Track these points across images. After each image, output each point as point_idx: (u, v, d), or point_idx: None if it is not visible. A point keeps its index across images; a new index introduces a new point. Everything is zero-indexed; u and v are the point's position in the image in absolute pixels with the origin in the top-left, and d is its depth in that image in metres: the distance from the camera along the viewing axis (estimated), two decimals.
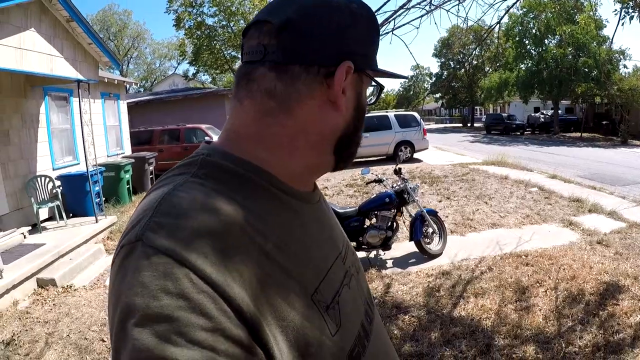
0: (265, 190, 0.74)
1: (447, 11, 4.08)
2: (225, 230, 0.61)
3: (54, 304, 5.35)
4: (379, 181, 6.51)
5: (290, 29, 0.73)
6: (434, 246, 6.29)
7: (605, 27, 28.45)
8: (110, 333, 0.58)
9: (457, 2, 4.12)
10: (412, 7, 3.85)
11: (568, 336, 4.00)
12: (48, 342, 4.47)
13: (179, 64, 57.25)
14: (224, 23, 27.65)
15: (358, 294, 0.86)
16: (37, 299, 5.52)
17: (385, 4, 3.77)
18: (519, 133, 36.45)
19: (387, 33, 3.82)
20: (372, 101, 0.89)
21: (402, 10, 3.79)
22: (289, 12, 0.74)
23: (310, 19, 0.75)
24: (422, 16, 3.97)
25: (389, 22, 3.86)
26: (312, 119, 0.77)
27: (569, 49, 31.10)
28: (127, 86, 15.62)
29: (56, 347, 4.35)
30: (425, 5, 3.95)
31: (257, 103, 0.76)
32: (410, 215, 6.33)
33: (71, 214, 8.75)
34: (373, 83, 0.85)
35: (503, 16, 5.24)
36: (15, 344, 4.49)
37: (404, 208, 6.26)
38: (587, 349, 3.78)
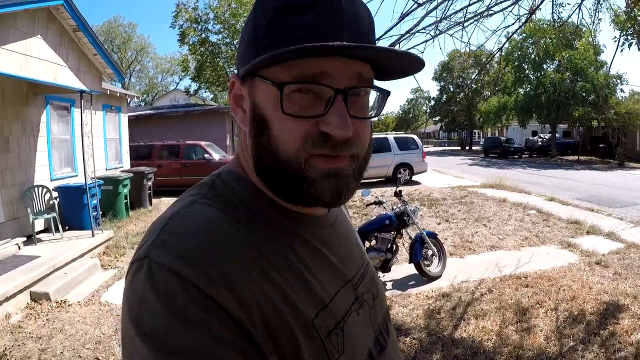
0: (267, 213, 0.74)
1: (452, 36, 4.11)
2: (226, 250, 0.64)
3: (47, 319, 5.24)
4: (378, 203, 6.49)
5: None
6: (433, 268, 6.25)
7: (603, 52, 28.85)
8: (122, 343, 0.62)
9: (461, 28, 4.15)
10: (418, 31, 3.87)
11: (570, 356, 3.99)
12: (41, 359, 4.36)
13: (180, 79, 57.73)
14: (227, 41, 27.85)
15: (369, 321, 0.84)
16: (30, 313, 5.39)
17: (391, 28, 3.79)
18: (517, 156, 36.83)
19: None
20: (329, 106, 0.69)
21: (408, 35, 3.81)
22: None
23: None
24: (426, 41, 4.00)
25: (394, 46, 3.86)
26: (244, 138, 0.78)
27: (567, 74, 31.73)
28: (129, 99, 15.65)
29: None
30: (431, 30, 3.98)
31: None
32: (410, 238, 6.30)
33: (67, 227, 8.65)
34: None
35: (505, 43, 5.29)
36: (7, 359, 4.38)
37: (403, 230, 6.23)
38: None
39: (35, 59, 6.94)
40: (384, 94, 0.77)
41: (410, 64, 0.73)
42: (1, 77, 6.88)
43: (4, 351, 4.50)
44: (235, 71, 0.79)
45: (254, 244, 0.67)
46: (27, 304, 5.64)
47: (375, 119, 0.87)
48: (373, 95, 0.78)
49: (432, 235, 6.40)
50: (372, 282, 0.92)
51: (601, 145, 33.12)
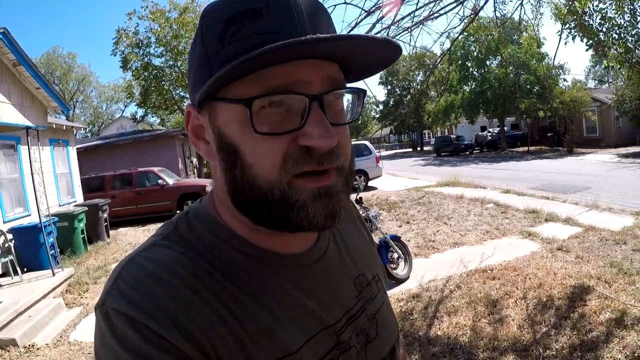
0: (231, 257, 0.70)
1: (402, 42, 4.21)
2: (177, 294, 0.62)
3: None
4: None
5: None
6: (400, 271, 6.31)
7: (544, 44, 29.85)
8: None
9: (408, 32, 4.26)
10: None
11: (544, 341, 4.10)
12: None
13: (126, 106, 56.64)
14: (171, 63, 27.50)
15: None
16: None
17: None
18: (468, 153, 37.60)
19: None
20: (293, 115, 0.63)
21: None
22: None
23: None
24: None
25: None
26: (213, 171, 0.74)
27: (510, 68, 32.64)
28: (75, 131, 15.29)
29: None
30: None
31: None
32: (374, 243, 6.33)
33: (26, 269, 8.34)
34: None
35: (452, 45, 5.44)
36: None
37: None
38: (564, 351, 3.87)
39: None
40: (360, 94, 0.71)
41: (386, 52, 0.65)
42: None
43: None
44: (188, 102, 0.73)
45: (211, 289, 0.65)
46: None
47: (359, 122, 0.81)
48: (346, 98, 0.72)
49: (396, 239, 6.47)
50: (369, 323, 0.82)
51: (549, 134, 34.06)
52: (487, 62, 35.55)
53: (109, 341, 0.59)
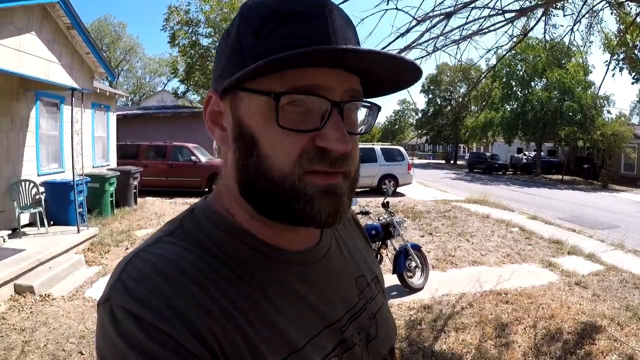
0: (239, 252, 0.71)
1: (447, 53, 4.22)
2: (183, 291, 0.62)
3: (31, 312, 5.25)
4: (365, 213, 6.57)
5: None
6: (416, 280, 6.32)
7: (592, 72, 29.13)
8: None
9: (456, 45, 4.26)
10: (414, 47, 3.97)
11: None
12: (24, 351, 4.37)
13: (168, 80, 57.26)
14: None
15: None
16: (14, 306, 5.40)
17: (390, 43, 3.88)
18: (501, 173, 36.89)
19: None
20: (313, 117, 0.66)
21: (405, 50, 3.91)
22: None
23: None
24: (423, 57, 4.10)
25: None
26: (224, 159, 0.75)
27: (555, 93, 31.80)
28: (117, 98, 15.58)
29: (32, 357, 4.26)
30: (427, 47, 4.07)
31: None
32: (395, 249, 6.36)
33: (52, 222, 8.61)
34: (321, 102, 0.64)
35: (498, 61, 5.41)
36: None
37: (388, 241, 6.33)
38: None
39: (29, 55, 6.96)
40: (375, 110, 0.74)
41: (406, 75, 0.70)
42: None
43: None
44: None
45: (217, 284, 0.65)
46: (11, 296, 5.65)
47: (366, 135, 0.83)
48: (362, 111, 0.75)
49: (416, 248, 6.47)
50: (370, 322, 0.84)
51: (585, 165, 33.26)
52: (532, 84, 34.78)
53: (113, 339, 0.59)
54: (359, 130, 0.74)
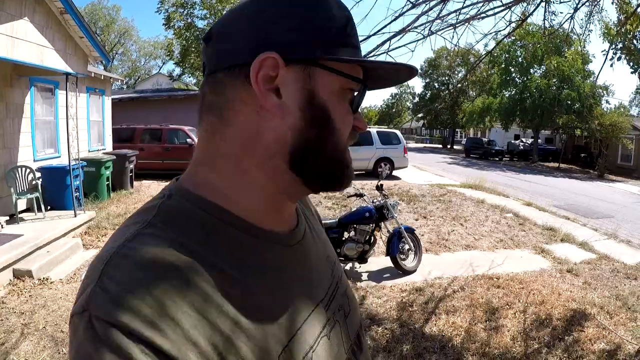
0: (225, 234, 0.67)
1: (442, 37, 4.21)
2: (179, 295, 0.56)
3: (30, 295, 5.33)
4: (360, 195, 6.61)
5: (211, 39, 0.71)
6: (409, 262, 6.40)
7: (592, 62, 28.93)
8: None
9: (453, 29, 4.25)
10: (410, 30, 3.96)
11: (534, 357, 4.17)
12: (24, 333, 4.46)
13: (164, 63, 56.95)
14: None
15: (340, 343, 0.78)
16: (13, 290, 5.48)
17: (385, 26, 3.89)
18: (497, 159, 36.85)
19: (382, 53, 3.94)
20: (354, 105, 0.74)
21: (401, 34, 3.92)
22: (214, 26, 0.72)
23: (227, 22, 0.71)
24: (418, 40, 4.09)
25: (384, 44, 3.97)
26: (250, 127, 0.69)
27: (554, 80, 31.58)
28: (112, 82, 15.53)
29: (32, 339, 4.33)
30: (423, 30, 4.07)
31: (204, 122, 0.73)
32: (388, 231, 6.42)
33: (50, 207, 8.64)
34: (350, 81, 0.70)
35: (495, 47, 5.40)
36: None
37: (382, 223, 6.38)
38: None
39: (22, 41, 6.97)
40: (363, 86, 0.76)
41: (405, 75, 0.78)
42: None
43: None
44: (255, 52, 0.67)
45: (210, 279, 0.60)
46: (10, 280, 5.73)
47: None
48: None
49: (410, 231, 6.56)
50: (343, 298, 0.86)
51: (582, 154, 33.20)
52: (531, 70, 34.52)
53: (94, 358, 0.50)
54: None
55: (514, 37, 27.54)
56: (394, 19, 3.87)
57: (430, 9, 3.95)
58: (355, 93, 0.74)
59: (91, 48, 9.46)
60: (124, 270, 0.56)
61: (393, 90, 79.04)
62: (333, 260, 0.92)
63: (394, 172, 18.11)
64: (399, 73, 0.78)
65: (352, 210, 6.67)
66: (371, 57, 3.80)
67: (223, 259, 0.63)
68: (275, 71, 0.66)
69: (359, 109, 0.76)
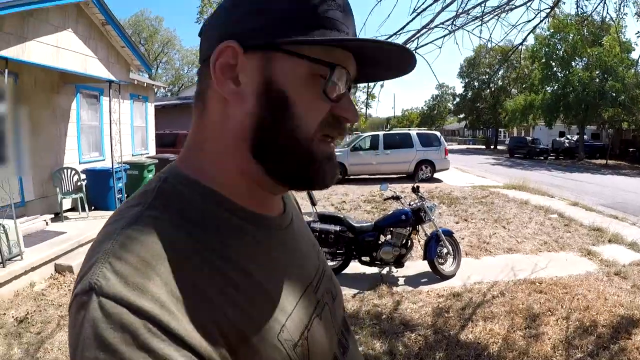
0: (222, 217, 0.69)
1: (470, 32, 4.10)
2: (182, 274, 0.57)
3: (69, 289, 5.56)
4: (396, 198, 6.54)
5: (202, 33, 0.75)
6: (447, 267, 6.28)
7: (634, 49, 27.62)
8: None
9: (480, 23, 4.12)
10: (435, 27, 3.88)
11: None
12: (60, 324, 4.69)
13: None
14: None
15: (331, 324, 0.80)
16: (53, 283, 5.78)
17: (408, 23, 3.82)
18: (542, 158, 35.78)
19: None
20: (339, 90, 0.70)
21: (425, 30, 3.83)
22: (205, 20, 0.77)
23: (211, 16, 0.74)
24: (444, 36, 3.99)
25: (412, 41, 3.90)
26: (218, 114, 0.71)
27: (596, 72, 30.30)
28: (156, 89, 15.87)
29: (67, 330, 4.45)
30: (448, 26, 3.97)
31: (194, 108, 0.75)
32: (426, 235, 6.33)
33: (93, 207, 9.04)
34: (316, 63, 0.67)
35: (526, 37, 5.22)
36: (28, 322, 4.72)
37: (419, 226, 6.29)
38: None
39: (66, 50, 7.24)
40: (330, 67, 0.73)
41: (402, 60, 0.75)
42: (34, 67, 7.18)
43: (26, 315, 4.85)
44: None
45: (211, 261, 0.62)
46: (51, 274, 6.07)
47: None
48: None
49: (448, 234, 6.42)
50: (330, 282, 0.88)
51: (631, 149, 31.99)
52: (572, 64, 32.90)
53: (102, 335, 0.50)
54: None
55: (551, 30, 26.60)
56: (416, 15, 3.79)
57: (452, 2, 3.84)
58: (338, 79, 0.69)
59: (132, 57, 9.72)
60: (132, 251, 0.57)
61: (433, 91, 78.15)
62: (318, 247, 0.94)
63: (435, 175, 17.90)
64: (394, 57, 0.74)
65: (389, 213, 6.60)
66: None
67: (220, 242, 0.65)
68: (235, 59, 0.67)
69: (353, 97, 0.74)
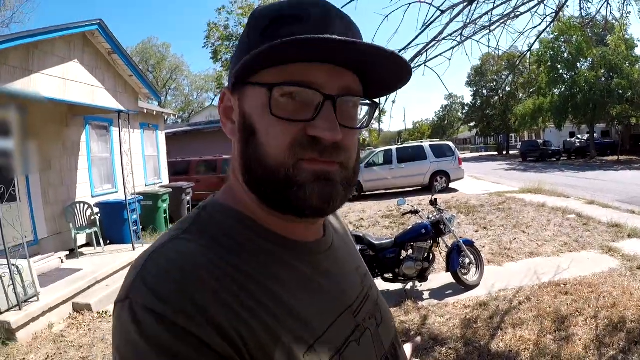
0: (255, 243, 0.72)
1: (478, 41, 4.08)
2: (205, 287, 0.62)
3: (88, 329, 5.45)
4: (414, 212, 6.47)
5: None
6: (470, 277, 6.18)
7: (637, 46, 27.75)
8: None
9: (488, 32, 4.12)
10: (443, 39, 3.86)
11: None
12: None
13: (215, 95, 58.11)
14: None
15: (372, 349, 0.81)
16: (72, 323, 5.64)
17: (417, 37, 3.79)
18: (555, 159, 36.01)
19: (420, 65, 3.83)
20: (304, 108, 0.68)
21: (433, 43, 3.81)
22: None
23: None
24: (453, 48, 3.98)
25: (422, 54, 3.87)
26: (234, 150, 0.76)
27: (602, 71, 30.67)
28: (166, 117, 15.97)
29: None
30: (457, 37, 3.96)
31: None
32: (447, 246, 6.24)
33: (108, 241, 8.93)
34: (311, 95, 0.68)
35: (534, 43, 5.21)
36: None
37: (440, 239, 6.20)
38: None
39: (73, 82, 7.25)
40: (374, 106, 0.78)
41: (397, 68, 0.72)
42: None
43: (46, 359, 4.72)
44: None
45: (237, 279, 0.65)
46: (70, 314, 5.91)
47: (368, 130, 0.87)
48: (364, 110, 0.78)
49: (469, 243, 6.34)
50: (375, 308, 0.88)
51: None
52: (578, 65, 33.44)
53: (134, 340, 0.57)
54: (358, 125, 0.76)
55: (555, 33, 26.86)
56: (424, 29, 3.77)
57: (458, 13, 3.82)
58: (293, 97, 0.67)
59: (140, 85, 9.75)
60: (159, 265, 0.64)
61: (443, 102, 78.29)
62: (364, 272, 0.94)
63: (451, 185, 17.82)
64: (389, 66, 0.71)
65: (408, 228, 6.52)
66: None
67: (251, 266, 0.68)
68: (230, 102, 0.76)
69: (333, 115, 0.68)
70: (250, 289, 0.65)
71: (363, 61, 0.69)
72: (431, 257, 6.09)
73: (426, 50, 3.86)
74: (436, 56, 3.97)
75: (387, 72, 0.73)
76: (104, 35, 8.12)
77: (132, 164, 9.31)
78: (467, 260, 6.15)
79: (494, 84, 52.62)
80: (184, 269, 0.63)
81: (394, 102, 4.52)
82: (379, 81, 0.75)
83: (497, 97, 51.79)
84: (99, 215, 9.10)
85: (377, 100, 0.81)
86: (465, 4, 3.63)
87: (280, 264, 0.72)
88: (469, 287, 6.05)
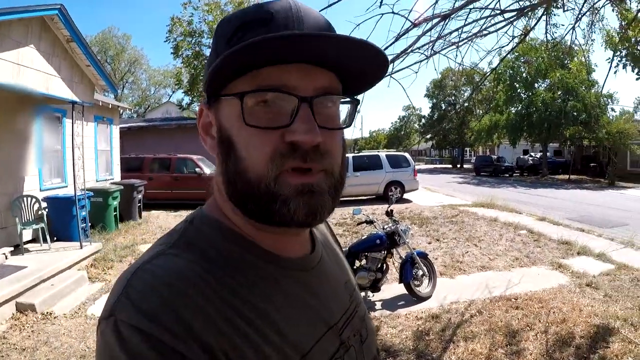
0: (242, 258, 0.71)
1: (446, 56, 4.14)
2: (191, 304, 0.61)
3: (32, 331, 5.18)
4: (370, 222, 6.45)
5: None
6: (423, 289, 6.21)
7: (594, 71, 28.85)
8: None
9: (455, 48, 4.18)
10: (412, 51, 3.88)
11: None
12: None
13: (173, 92, 57.26)
14: None
15: None
16: (15, 324, 5.33)
17: (386, 48, 3.80)
18: (507, 175, 37.02)
19: (386, 76, 3.83)
20: (279, 113, 0.67)
21: (402, 55, 3.83)
22: None
23: None
24: (421, 61, 4.02)
25: (390, 65, 3.88)
26: (218, 165, 0.75)
27: (559, 93, 31.78)
28: (121, 111, 15.54)
29: None
30: (425, 51, 3.99)
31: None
32: (401, 257, 6.27)
33: (55, 238, 8.56)
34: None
35: (499, 63, 5.34)
36: None
37: (394, 250, 6.21)
38: None
39: (27, 68, 6.92)
40: (354, 104, 0.76)
41: (371, 60, 0.69)
42: None
43: None
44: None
45: (224, 296, 0.64)
46: (12, 314, 5.59)
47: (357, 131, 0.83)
48: (344, 110, 0.76)
49: (423, 255, 6.38)
50: (361, 324, 0.88)
51: (592, 164, 33.43)
52: (535, 85, 34.71)
53: (118, 357, 0.56)
54: (340, 125, 0.74)
55: (518, 53, 27.80)
56: (395, 40, 3.81)
57: (432, 28, 3.86)
58: (265, 103, 0.66)
59: (97, 77, 9.43)
60: (145, 282, 0.62)
61: (400, 112, 79.35)
62: (352, 287, 0.92)
63: (405, 195, 17.98)
64: (362, 58, 0.68)
65: (362, 237, 6.52)
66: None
67: (238, 282, 0.67)
68: (208, 117, 0.75)
69: (309, 118, 0.65)
70: (237, 306, 0.65)
71: (336, 56, 0.66)
72: (384, 267, 6.10)
73: (393, 62, 3.87)
74: (403, 68, 4.00)
75: (362, 64, 0.69)
76: (63, 22, 7.79)
77: (83, 158, 8.95)
78: (420, 272, 6.19)
79: (453, 98, 53.68)
80: (171, 285, 0.62)
81: (358, 111, 4.52)
82: (357, 76, 0.72)
83: (454, 111, 52.85)
84: (47, 210, 8.71)
85: (357, 97, 0.78)
86: (440, 19, 3.66)
87: (268, 281, 0.71)
88: (421, 299, 6.07)
